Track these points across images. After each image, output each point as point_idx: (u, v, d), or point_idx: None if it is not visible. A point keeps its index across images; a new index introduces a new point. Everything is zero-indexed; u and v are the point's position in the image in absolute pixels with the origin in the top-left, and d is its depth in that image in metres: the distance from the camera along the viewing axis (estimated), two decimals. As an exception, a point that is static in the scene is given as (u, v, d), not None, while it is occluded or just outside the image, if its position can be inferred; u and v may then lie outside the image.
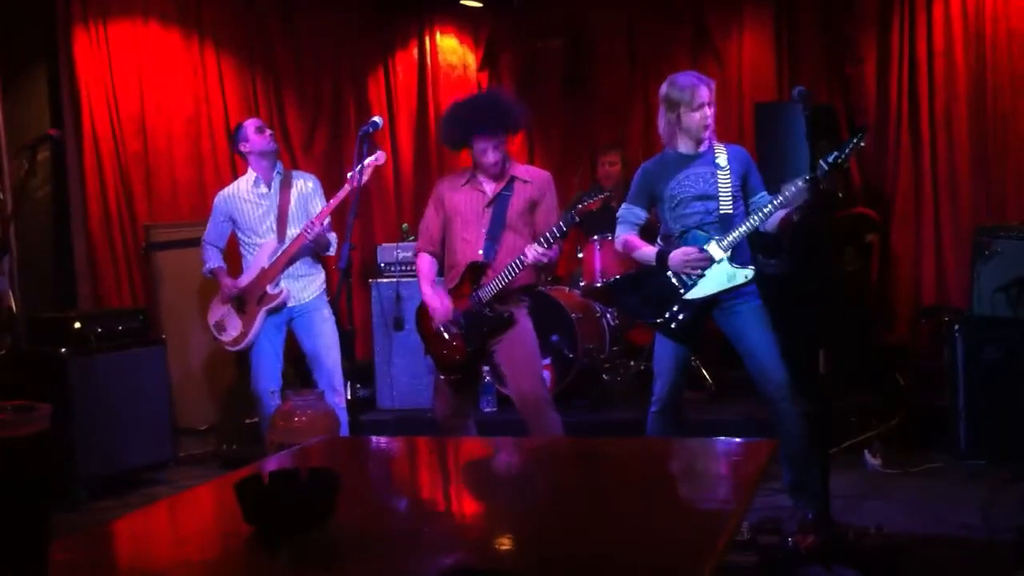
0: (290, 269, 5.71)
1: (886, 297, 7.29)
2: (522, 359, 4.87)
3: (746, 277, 4.56)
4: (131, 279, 7.14)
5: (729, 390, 6.75)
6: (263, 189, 5.77)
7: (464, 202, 4.91)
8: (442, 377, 5.01)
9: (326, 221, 5.63)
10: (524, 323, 4.88)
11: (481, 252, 4.83)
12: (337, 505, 2.15)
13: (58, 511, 2.76)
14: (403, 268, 6.98)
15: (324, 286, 5.88)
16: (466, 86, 8.26)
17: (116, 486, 5.95)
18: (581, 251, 7.01)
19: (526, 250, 4.61)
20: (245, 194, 5.80)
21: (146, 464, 6.22)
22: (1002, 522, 4.54)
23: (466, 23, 8.44)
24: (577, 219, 4.62)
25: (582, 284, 6.94)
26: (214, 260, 5.92)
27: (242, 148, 5.82)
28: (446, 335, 4.90)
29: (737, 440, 3.07)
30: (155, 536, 2.39)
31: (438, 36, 8.40)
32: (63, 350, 5.86)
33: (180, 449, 6.61)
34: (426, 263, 5.04)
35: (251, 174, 5.82)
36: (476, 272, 4.82)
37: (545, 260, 4.63)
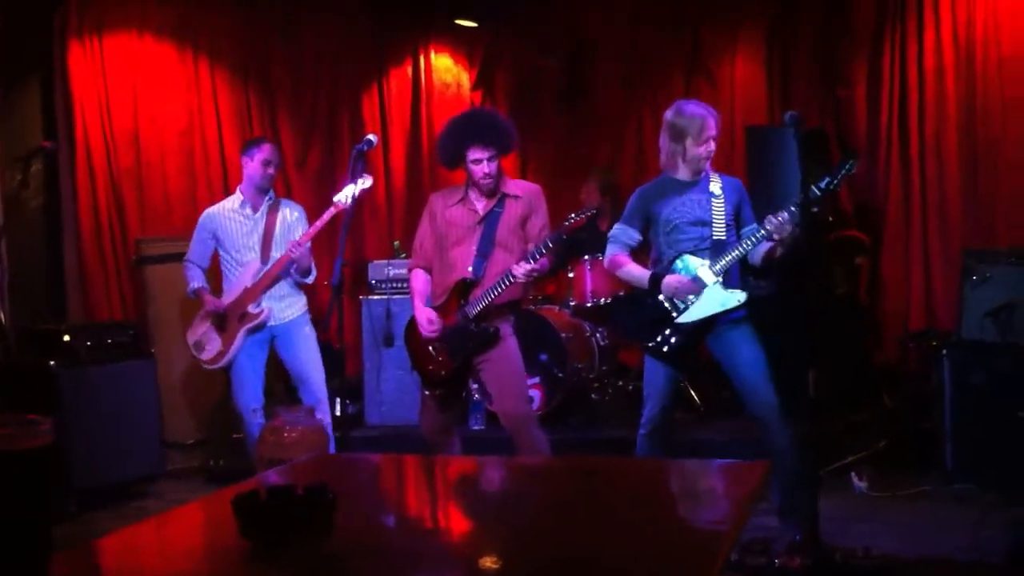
0: (272, 290, 5.74)
1: (875, 320, 7.31)
2: (507, 378, 4.89)
3: (739, 301, 4.58)
4: (121, 292, 7.14)
5: (716, 411, 6.77)
6: (248, 211, 5.82)
7: (456, 220, 4.94)
8: (427, 393, 5.03)
9: (307, 245, 5.65)
10: (510, 342, 4.90)
11: (471, 269, 4.86)
12: (333, 521, 2.16)
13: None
14: (394, 285, 6.98)
15: (306, 307, 5.91)
16: (460, 105, 8.27)
17: (104, 499, 5.93)
18: (571, 271, 7.02)
19: (514, 269, 4.64)
20: (230, 212, 5.85)
21: (134, 477, 6.20)
22: (989, 546, 4.55)
23: (460, 42, 8.47)
24: (564, 236, 4.68)
25: (572, 304, 6.95)
26: (198, 280, 5.92)
27: (244, 164, 5.86)
28: (432, 350, 4.92)
29: (730, 461, 3.09)
30: (151, 551, 2.39)
31: (432, 55, 8.42)
32: (53, 363, 5.84)
33: (168, 463, 6.59)
34: (420, 280, 5.06)
35: (239, 196, 5.87)
36: (465, 288, 4.86)
37: (536, 275, 4.70)
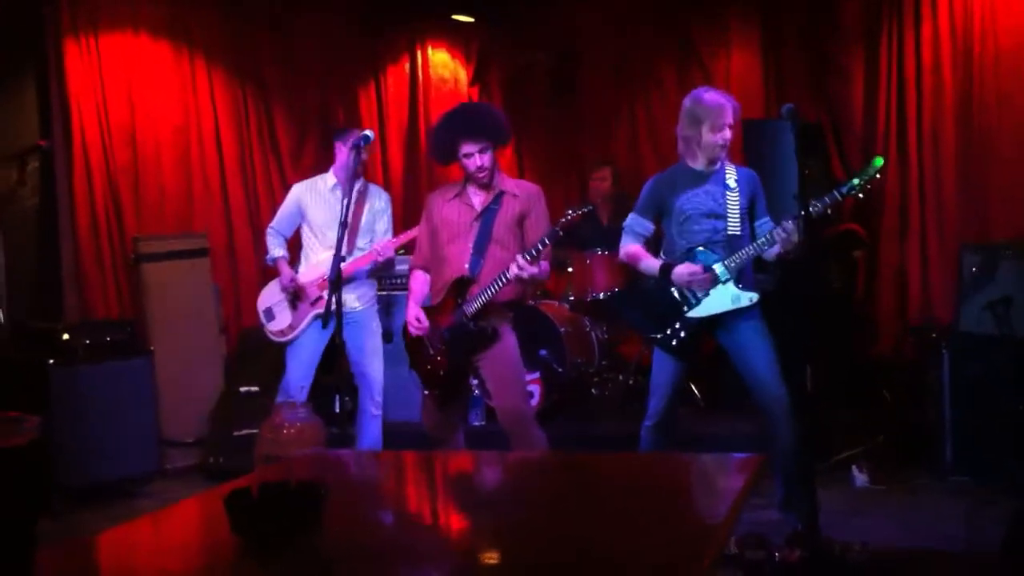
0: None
1: (872, 313, 7.30)
2: (505, 375, 4.86)
3: (751, 300, 4.58)
4: (119, 290, 7.11)
5: (717, 404, 6.76)
6: (339, 194, 5.74)
7: (452, 216, 4.90)
8: (426, 392, 5.00)
9: (391, 250, 5.72)
10: (508, 339, 4.86)
11: (467, 266, 4.81)
12: (326, 518, 2.15)
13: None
14: (392, 281, 6.95)
15: (376, 297, 5.96)
16: (457, 100, 8.26)
17: (100, 497, 5.91)
18: (571, 266, 7.01)
19: (510, 265, 4.60)
20: (322, 192, 5.85)
21: (131, 476, 6.18)
22: (986, 538, 4.55)
23: (458, 38, 8.47)
24: (560, 233, 4.61)
25: (572, 298, 6.94)
26: (280, 248, 5.92)
27: (337, 149, 5.86)
28: (430, 350, 4.89)
29: (726, 455, 3.08)
30: (145, 548, 2.39)
31: (429, 50, 8.42)
32: (50, 360, 5.83)
33: (166, 461, 6.56)
34: (418, 282, 5.01)
35: (332, 177, 5.86)
36: (462, 286, 4.80)
37: (526, 275, 4.57)
